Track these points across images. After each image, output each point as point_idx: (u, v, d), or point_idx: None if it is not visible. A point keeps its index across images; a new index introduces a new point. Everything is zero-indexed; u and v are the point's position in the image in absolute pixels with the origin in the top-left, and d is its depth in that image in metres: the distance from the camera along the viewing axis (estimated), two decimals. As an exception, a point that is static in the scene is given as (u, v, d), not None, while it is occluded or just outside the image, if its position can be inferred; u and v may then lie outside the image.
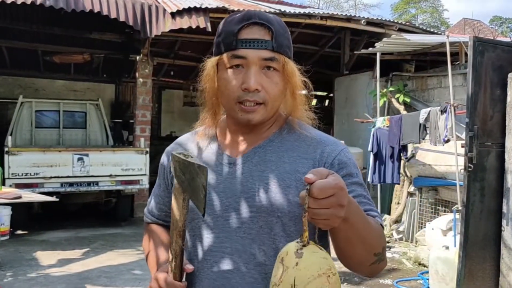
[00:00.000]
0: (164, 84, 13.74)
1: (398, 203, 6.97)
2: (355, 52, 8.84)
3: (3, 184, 5.88)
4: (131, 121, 9.90)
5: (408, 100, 7.69)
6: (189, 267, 1.15)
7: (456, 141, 5.35)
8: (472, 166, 4.09)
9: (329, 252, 1.21)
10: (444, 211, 6.05)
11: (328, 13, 9.22)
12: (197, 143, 1.27)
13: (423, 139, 6.05)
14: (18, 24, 8.67)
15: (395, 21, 10.10)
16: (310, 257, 0.92)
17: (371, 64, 8.65)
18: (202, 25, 7.39)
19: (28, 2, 6.70)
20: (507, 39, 13.82)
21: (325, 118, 10.47)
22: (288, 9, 8.70)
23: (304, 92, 1.21)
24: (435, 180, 6.15)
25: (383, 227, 1.14)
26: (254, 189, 1.14)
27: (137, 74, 8.74)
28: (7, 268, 5.32)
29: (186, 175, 1.06)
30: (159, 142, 9.60)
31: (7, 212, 6.38)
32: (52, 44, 9.61)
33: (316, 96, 15.06)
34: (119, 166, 7.43)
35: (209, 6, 7.56)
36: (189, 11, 7.47)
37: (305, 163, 1.15)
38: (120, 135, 10.96)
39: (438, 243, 5.12)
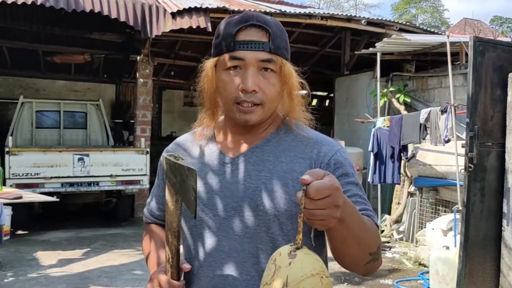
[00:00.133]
0: (165, 84, 13.76)
1: (399, 203, 6.97)
2: (355, 52, 8.83)
3: (4, 184, 5.88)
4: (132, 121, 9.91)
5: (408, 100, 7.69)
6: (186, 266, 1.16)
7: (457, 141, 5.35)
8: (472, 166, 4.09)
9: (326, 252, 1.22)
10: (445, 211, 6.05)
11: (328, 13, 9.22)
12: (196, 143, 1.29)
13: (424, 139, 6.05)
14: (18, 24, 8.67)
15: (396, 21, 10.09)
16: (304, 258, 0.92)
17: (371, 64, 8.65)
18: (202, 25, 7.39)
19: (29, 2, 6.70)
20: (508, 39, 13.82)
21: (326, 118, 10.49)
22: (288, 9, 8.70)
23: (304, 92, 1.22)
24: (435, 180, 6.15)
25: (378, 227, 1.15)
26: (252, 188, 1.15)
27: (137, 74, 8.75)
28: (7, 268, 5.33)
29: (177, 177, 1.07)
30: (159, 142, 9.59)
31: (7, 212, 6.38)
32: (52, 44, 9.62)
33: (317, 96, 15.07)
34: (119, 166, 7.44)
35: (210, 6, 7.56)
36: (189, 11, 7.48)
37: (302, 162, 1.16)
38: (120, 135, 10.97)
39: (438, 243, 5.12)
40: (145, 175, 7.59)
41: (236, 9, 7.72)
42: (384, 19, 9.66)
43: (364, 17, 9.04)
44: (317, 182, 0.87)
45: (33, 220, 7.60)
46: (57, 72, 12.02)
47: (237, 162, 1.19)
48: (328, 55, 11.03)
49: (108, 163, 7.38)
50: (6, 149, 6.84)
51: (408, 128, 6.19)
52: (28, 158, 6.94)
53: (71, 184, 7.18)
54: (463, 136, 5.03)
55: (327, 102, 15.04)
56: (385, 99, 7.82)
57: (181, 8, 7.43)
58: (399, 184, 6.82)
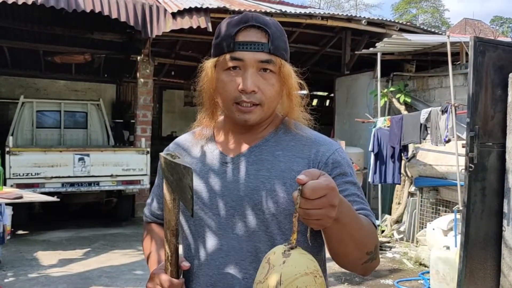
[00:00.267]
0: (165, 84, 13.76)
1: (399, 203, 6.97)
2: (356, 52, 8.83)
3: (4, 184, 5.87)
4: (132, 121, 9.91)
5: (409, 100, 7.69)
6: (185, 264, 1.17)
7: (457, 141, 5.35)
8: (473, 166, 4.09)
9: (324, 251, 1.22)
10: (445, 211, 6.04)
11: (329, 13, 9.22)
12: (196, 143, 1.30)
13: (424, 139, 6.05)
14: (19, 24, 8.68)
15: (396, 21, 10.08)
16: (298, 257, 0.93)
17: (372, 64, 8.65)
18: (203, 25, 7.39)
19: (29, 2, 6.70)
20: (508, 39, 13.81)
21: (326, 118, 10.49)
22: (289, 9, 8.69)
23: (303, 92, 1.22)
24: (436, 180, 6.15)
25: (376, 226, 1.16)
26: (251, 188, 1.16)
27: (138, 74, 8.75)
28: (8, 268, 5.33)
29: (174, 176, 1.08)
30: (160, 142, 9.60)
31: (8, 212, 6.38)
32: (53, 44, 9.62)
33: (317, 96, 15.08)
34: (120, 166, 7.44)
35: (210, 6, 7.56)
36: (190, 11, 7.48)
37: (300, 162, 1.17)
38: (121, 135, 10.97)
39: (439, 243, 5.12)
40: (146, 175, 7.60)
41: (236, 9, 7.71)
42: (384, 19, 9.66)
43: (364, 17, 9.04)
44: (313, 182, 0.88)
45: (34, 220, 7.61)
46: (57, 72, 12.03)
47: (237, 162, 1.20)
48: (329, 55, 11.04)
49: (108, 163, 7.38)
50: (7, 149, 6.84)
51: (409, 128, 6.19)
52: (28, 158, 6.94)
53: (72, 184, 7.18)
54: (464, 136, 5.04)
55: (328, 102, 15.05)
56: (386, 99, 7.81)
57: (182, 8, 7.43)
58: (399, 184, 6.82)
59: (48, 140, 8.62)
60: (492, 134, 4.19)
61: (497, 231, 4.20)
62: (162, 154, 1.14)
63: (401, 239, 6.70)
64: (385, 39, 7.34)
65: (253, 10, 7.56)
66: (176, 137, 1.44)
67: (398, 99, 7.74)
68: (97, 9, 7.02)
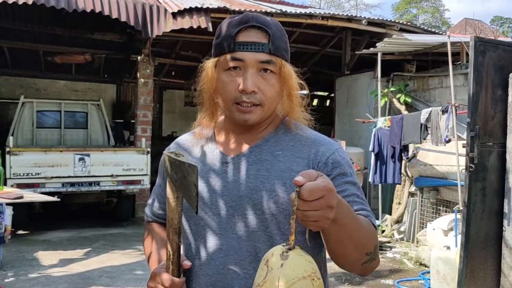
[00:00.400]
0: (165, 84, 13.76)
1: (399, 203, 6.97)
2: (356, 52, 8.83)
3: (5, 184, 5.88)
4: (132, 121, 9.91)
5: (409, 100, 7.69)
6: (187, 263, 1.17)
7: (457, 141, 5.34)
8: (473, 166, 4.09)
9: (324, 252, 1.22)
10: (445, 211, 6.04)
11: (329, 13, 9.22)
12: (196, 143, 1.30)
13: (424, 139, 6.05)
14: (19, 24, 8.68)
15: (396, 21, 10.08)
16: (296, 260, 0.93)
17: (372, 64, 8.65)
18: (203, 25, 7.39)
19: (30, 2, 6.70)
20: (508, 39, 13.80)
21: (327, 118, 10.49)
22: (289, 9, 8.69)
23: (305, 92, 1.22)
24: (436, 180, 6.15)
25: (375, 227, 1.15)
26: (250, 188, 1.16)
27: (138, 74, 8.75)
28: (8, 268, 5.33)
29: (178, 174, 1.08)
30: (160, 142, 9.60)
31: (8, 212, 6.38)
32: (53, 45, 9.63)
33: (317, 96, 15.07)
34: (120, 166, 7.44)
35: (210, 6, 7.57)
36: (190, 11, 7.48)
37: (300, 162, 1.17)
38: (121, 135, 10.97)
39: (439, 243, 5.12)
40: (146, 175, 7.60)
41: (237, 9, 7.72)
42: (384, 19, 9.66)
43: (364, 17, 9.04)
44: (310, 184, 0.88)
45: (34, 220, 7.61)
46: (57, 72, 12.03)
47: (237, 162, 1.20)
48: (329, 55, 11.03)
49: (109, 163, 7.39)
50: (7, 149, 6.84)
51: (409, 128, 6.18)
52: (29, 158, 6.95)
53: (72, 184, 7.18)
54: (464, 136, 5.03)
55: (328, 102, 15.04)
56: (386, 99, 7.81)
57: (182, 8, 7.43)
58: (400, 184, 6.82)
59: (48, 140, 8.63)
60: (493, 134, 4.19)
61: (498, 231, 4.20)
62: (166, 152, 1.15)
63: (402, 239, 6.69)
64: (386, 39, 7.33)
65: (253, 10, 7.56)
66: (177, 137, 1.44)
67: (398, 99, 7.74)
68: (97, 9, 7.02)
